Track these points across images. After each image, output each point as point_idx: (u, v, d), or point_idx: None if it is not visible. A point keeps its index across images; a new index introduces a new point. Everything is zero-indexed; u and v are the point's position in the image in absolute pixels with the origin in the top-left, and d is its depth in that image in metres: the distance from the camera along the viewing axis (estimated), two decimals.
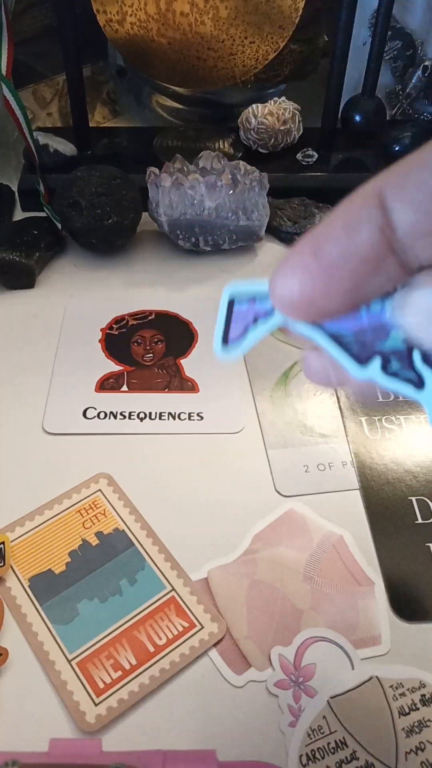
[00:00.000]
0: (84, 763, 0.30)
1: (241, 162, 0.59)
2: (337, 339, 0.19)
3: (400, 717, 0.35)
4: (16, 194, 0.66)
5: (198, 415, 0.48)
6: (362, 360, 0.19)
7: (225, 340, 0.21)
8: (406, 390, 0.19)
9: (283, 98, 0.66)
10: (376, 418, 0.48)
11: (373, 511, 0.43)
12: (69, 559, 0.40)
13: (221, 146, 0.68)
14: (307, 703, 0.35)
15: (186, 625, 0.38)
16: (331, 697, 0.35)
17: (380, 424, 0.48)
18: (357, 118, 0.66)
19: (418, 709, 0.35)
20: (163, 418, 0.48)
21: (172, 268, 0.60)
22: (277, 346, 0.53)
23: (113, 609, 0.38)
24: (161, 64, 0.65)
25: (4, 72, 0.53)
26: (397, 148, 0.67)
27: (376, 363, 0.19)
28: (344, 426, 0.47)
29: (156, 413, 0.48)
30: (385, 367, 0.19)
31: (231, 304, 0.21)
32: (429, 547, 0.42)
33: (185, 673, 0.37)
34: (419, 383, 0.18)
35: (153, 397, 0.50)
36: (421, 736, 0.34)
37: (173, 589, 0.39)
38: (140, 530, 0.42)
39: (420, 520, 0.43)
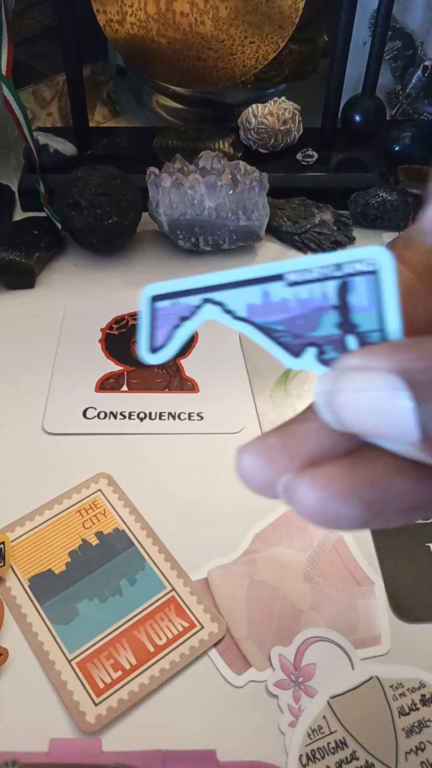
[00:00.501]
0: (84, 763, 0.30)
1: (241, 162, 0.59)
2: (268, 331, 0.18)
3: (400, 717, 0.35)
4: (16, 194, 0.66)
5: (198, 415, 0.48)
6: (295, 351, 0.18)
7: (152, 345, 0.20)
8: None
9: (283, 98, 0.66)
10: None
11: None
12: (69, 559, 0.40)
13: (221, 146, 0.68)
14: (307, 703, 0.35)
15: (186, 625, 0.38)
16: (331, 697, 0.35)
17: None
18: (357, 118, 0.66)
19: (418, 709, 0.35)
20: (163, 418, 0.48)
21: (172, 268, 0.60)
22: None
23: (113, 609, 0.38)
24: (161, 64, 0.65)
25: (4, 72, 0.53)
26: (397, 148, 0.67)
27: (311, 353, 0.18)
28: None
29: (156, 413, 0.48)
30: (320, 356, 0.18)
31: (153, 307, 0.20)
32: (429, 547, 0.42)
33: (185, 673, 0.37)
34: None
35: (153, 397, 0.50)
36: (421, 736, 0.34)
37: (173, 589, 0.39)
38: (140, 530, 0.42)
39: (420, 520, 0.43)
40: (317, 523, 0.16)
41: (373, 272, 0.17)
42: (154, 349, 0.20)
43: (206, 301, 0.20)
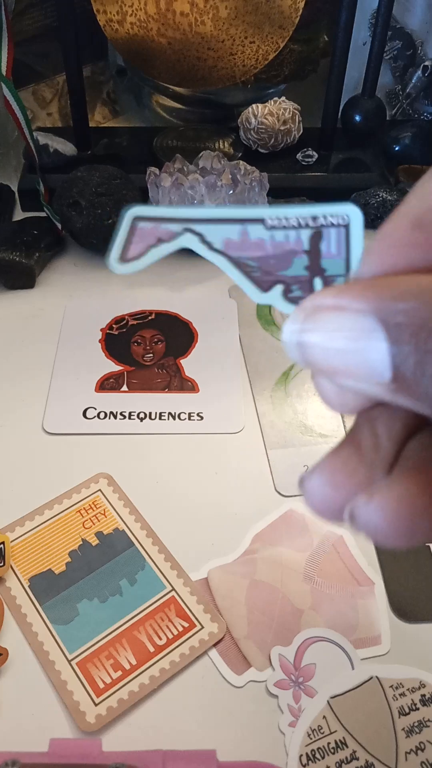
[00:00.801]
0: (84, 763, 0.30)
1: (241, 162, 0.59)
2: (240, 265, 0.20)
3: (400, 717, 0.35)
4: (16, 194, 0.66)
5: (198, 415, 0.48)
6: (264, 287, 0.19)
7: (123, 256, 0.21)
8: None
9: (283, 98, 0.66)
10: None
11: None
12: (69, 559, 0.40)
13: (221, 146, 0.68)
14: (307, 703, 0.35)
15: (186, 625, 0.38)
16: (331, 697, 0.35)
17: None
18: (357, 118, 0.66)
19: (418, 709, 0.35)
20: (163, 418, 0.48)
21: (172, 268, 0.60)
22: (277, 346, 0.53)
23: (113, 609, 0.38)
24: (161, 64, 0.65)
25: (4, 72, 0.53)
26: (396, 148, 0.67)
27: (278, 289, 0.19)
28: (344, 426, 0.47)
29: (156, 413, 0.48)
30: (286, 294, 0.19)
31: (134, 223, 0.21)
32: (429, 547, 0.42)
33: (185, 673, 0.37)
34: None
35: (153, 397, 0.50)
36: (421, 736, 0.34)
37: (173, 589, 0.39)
38: (140, 530, 0.42)
39: None
40: (393, 544, 0.16)
41: (344, 225, 0.19)
42: (124, 260, 0.21)
43: (187, 229, 0.21)
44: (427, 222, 0.16)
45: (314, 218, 0.20)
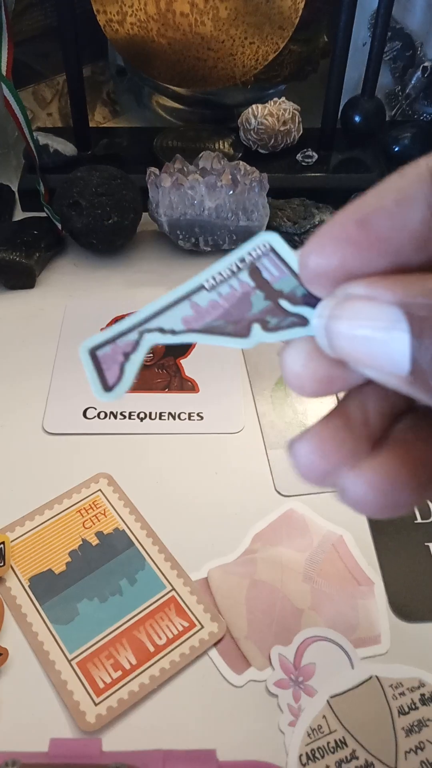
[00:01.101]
0: (84, 763, 0.31)
1: (241, 162, 0.59)
2: (211, 330, 0.20)
3: (399, 716, 0.35)
4: (16, 194, 0.66)
5: (198, 415, 0.49)
6: (243, 333, 0.20)
7: (105, 386, 0.21)
8: (296, 332, 0.20)
9: (283, 98, 0.66)
10: None
11: None
12: (69, 559, 0.40)
13: (221, 146, 0.68)
14: (306, 702, 0.35)
15: (186, 624, 0.38)
16: (331, 697, 0.35)
17: None
18: (357, 118, 0.66)
19: (417, 708, 0.35)
20: (163, 418, 0.48)
21: (172, 268, 0.60)
22: (277, 346, 0.53)
23: (113, 609, 0.38)
24: (161, 64, 0.65)
25: (4, 72, 0.53)
26: (396, 149, 0.67)
27: (257, 328, 0.20)
28: None
29: (156, 413, 0.48)
30: (266, 327, 0.20)
31: (94, 356, 0.21)
32: (429, 547, 0.42)
33: (185, 673, 0.37)
34: (303, 322, 0.19)
35: (153, 397, 0.50)
36: (421, 736, 0.34)
37: (173, 589, 0.39)
38: (140, 530, 0.42)
39: (419, 520, 0.43)
40: (373, 514, 0.18)
41: (269, 251, 0.20)
42: (108, 389, 0.21)
43: (143, 332, 0.21)
44: (373, 221, 0.16)
45: (242, 260, 0.21)
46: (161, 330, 0.21)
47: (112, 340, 0.21)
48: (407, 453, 0.17)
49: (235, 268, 0.21)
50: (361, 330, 0.16)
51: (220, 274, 0.21)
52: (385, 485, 0.17)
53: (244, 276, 0.20)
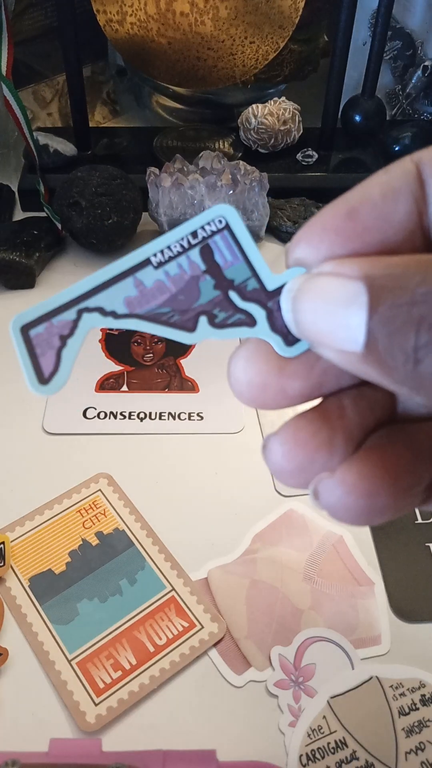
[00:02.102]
0: (84, 763, 0.30)
1: (241, 162, 0.59)
2: (156, 318, 0.18)
3: (400, 717, 0.35)
4: (16, 194, 0.66)
5: (198, 415, 0.48)
6: (189, 326, 0.19)
7: (41, 377, 0.19)
8: (242, 332, 0.19)
9: (283, 98, 0.66)
10: None
11: None
12: (69, 559, 0.40)
13: (221, 146, 0.68)
14: (307, 703, 0.35)
15: (186, 625, 0.38)
16: (331, 697, 0.35)
17: None
18: (357, 118, 0.66)
19: (418, 709, 0.35)
20: (163, 418, 0.48)
21: None
22: None
23: (113, 609, 0.38)
24: (161, 64, 0.65)
25: (4, 72, 0.53)
26: (396, 148, 0.67)
27: (203, 322, 0.18)
28: None
29: (156, 413, 0.48)
30: (212, 322, 0.19)
31: (26, 335, 0.19)
32: (429, 547, 0.42)
33: (185, 673, 0.37)
34: (251, 321, 0.18)
35: (153, 397, 0.50)
36: (421, 736, 0.34)
37: (173, 589, 0.39)
38: (140, 530, 0.42)
39: (420, 520, 0.43)
40: (348, 522, 0.17)
41: (225, 227, 0.18)
42: (44, 380, 0.19)
43: (81, 311, 0.19)
44: (360, 213, 0.16)
45: (194, 234, 0.18)
46: (101, 311, 0.19)
47: (46, 318, 0.19)
48: (386, 458, 0.17)
49: (186, 244, 0.18)
50: (323, 305, 0.16)
51: (170, 248, 0.18)
52: (358, 487, 0.17)
53: (195, 255, 0.18)
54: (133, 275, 0.19)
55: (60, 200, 0.57)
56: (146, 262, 0.18)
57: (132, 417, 0.48)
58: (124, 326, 0.19)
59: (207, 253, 0.18)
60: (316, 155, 0.66)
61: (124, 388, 0.50)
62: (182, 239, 0.18)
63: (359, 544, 0.42)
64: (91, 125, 0.68)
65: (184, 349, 0.53)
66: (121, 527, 0.42)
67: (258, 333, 0.19)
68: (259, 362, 0.18)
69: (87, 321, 0.19)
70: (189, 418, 0.48)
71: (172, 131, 0.69)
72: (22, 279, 0.57)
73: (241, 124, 0.66)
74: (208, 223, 0.18)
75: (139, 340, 0.54)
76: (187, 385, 0.51)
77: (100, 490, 0.44)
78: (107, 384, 0.50)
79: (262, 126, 0.64)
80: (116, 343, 0.54)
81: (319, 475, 0.18)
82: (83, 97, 0.63)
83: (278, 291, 0.18)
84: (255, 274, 0.18)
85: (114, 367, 0.52)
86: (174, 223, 0.58)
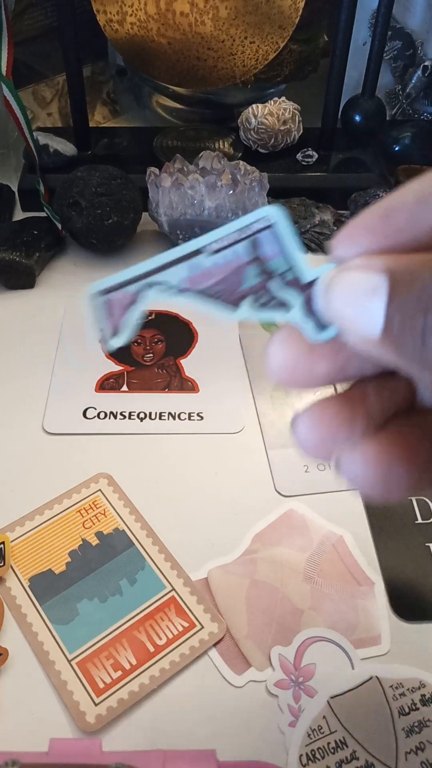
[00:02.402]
0: (84, 763, 0.30)
1: (241, 162, 0.59)
2: (208, 295, 0.22)
3: (400, 717, 0.35)
4: (16, 194, 0.66)
5: (198, 415, 0.48)
6: (234, 305, 0.22)
7: (113, 331, 0.23)
8: (278, 316, 0.21)
9: (283, 98, 0.66)
10: None
11: (373, 511, 0.43)
12: (69, 559, 0.40)
13: (221, 146, 0.68)
14: (307, 703, 0.35)
15: (186, 625, 0.38)
16: (331, 697, 0.35)
17: None
18: (357, 118, 0.66)
19: (418, 709, 0.35)
20: (163, 418, 0.48)
21: None
22: None
23: (113, 609, 0.38)
24: (161, 64, 0.65)
25: (4, 72, 0.53)
26: (396, 148, 0.67)
27: (245, 303, 0.22)
28: None
29: (156, 413, 0.48)
30: (253, 304, 0.22)
31: (99, 298, 0.23)
32: (429, 547, 0.42)
33: (185, 673, 0.37)
34: (287, 307, 0.21)
35: (153, 397, 0.50)
36: (421, 736, 0.34)
37: (173, 589, 0.39)
38: (140, 530, 0.42)
39: (420, 520, 0.43)
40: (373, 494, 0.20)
41: (270, 226, 0.21)
42: (114, 333, 0.23)
43: (147, 284, 0.23)
44: (394, 215, 0.18)
45: (241, 230, 0.22)
46: (164, 284, 0.23)
47: (119, 287, 0.23)
48: (403, 436, 0.19)
49: (236, 237, 0.22)
50: (350, 294, 0.18)
51: (221, 240, 0.22)
52: (381, 461, 0.19)
53: (242, 247, 0.22)
54: (189, 261, 0.22)
55: (60, 200, 0.57)
56: (199, 252, 0.22)
57: (132, 417, 0.48)
58: (180, 300, 0.22)
59: (254, 246, 0.22)
60: (316, 155, 0.66)
61: (124, 388, 0.50)
62: (233, 233, 0.22)
63: (359, 544, 0.42)
64: (91, 125, 0.68)
65: (184, 349, 0.53)
66: (121, 527, 0.42)
67: (292, 317, 0.21)
68: (292, 346, 0.21)
69: (151, 292, 0.22)
70: (189, 418, 0.48)
71: (172, 131, 0.69)
72: (22, 279, 0.57)
73: (241, 124, 0.66)
74: (257, 221, 0.22)
75: (139, 341, 0.54)
76: (187, 385, 0.51)
77: (100, 490, 0.44)
78: (107, 384, 0.51)
79: (262, 126, 0.64)
80: None
81: (341, 446, 0.20)
82: (83, 97, 0.63)
83: (313, 283, 0.21)
84: (294, 266, 0.21)
85: (114, 367, 0.52)
86: (174, 223, 0.58)
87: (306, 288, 0.21)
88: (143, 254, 0.61)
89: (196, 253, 0.22)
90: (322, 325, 0.21)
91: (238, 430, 0.48)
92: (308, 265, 0.21)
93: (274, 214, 0.21)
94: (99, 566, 0.40)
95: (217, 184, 0.56)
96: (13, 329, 0.55)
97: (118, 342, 0.23)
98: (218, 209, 0.57)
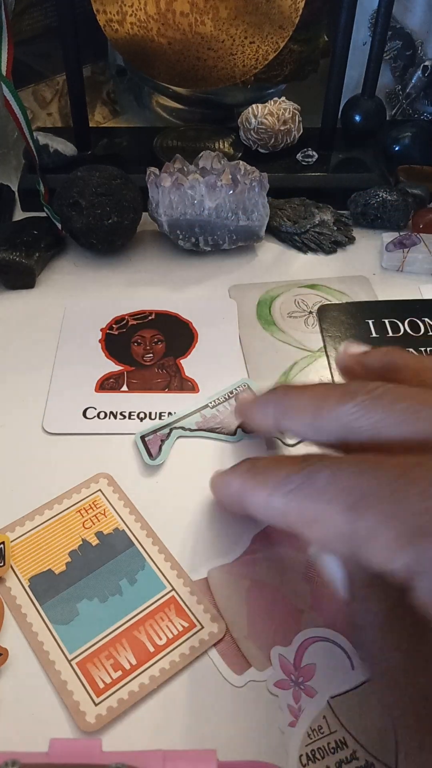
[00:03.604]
0: (84, 763, 0.30)
1: (241, 162, 0.59)
2: (212, 430, 0.39)
3: None
4: (16, 194, 0.66)
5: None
6: (231, 434, 0.39)
7: (151, 457, 0.43)
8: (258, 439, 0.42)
9: (283, 98, 0.66)
10: None
11: None
12: (69, 559, 0.40)
13: (221, 146, 0.68)
14: (307, 703, 0.35)
15: (186, 625, 0.38)
16: (331, 697, 0.35)
17: None
18: (357, 118, 0.66)
19: None
20: (163, 418, 0.48)
21: (172, 268, 0.60)
22: (277, 345, 0.53)
23: (113, 609, 0.38)
24: (161, 64, 0.65)
25: (4, 72, 0.53)
26: (396, 148, 0.67)
27: (239, 431, 0.42)
28: None
29: (156, 413, 0.48)
30: (245, 431, 0.42)
31: (143, 440, 0.43)
32: None
33: (185, 673, 0.37)
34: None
35: (153, 397, 0.50)
36: None
37: (173, 589, 0.39)
38: (140, 530, 0.42)
39: None
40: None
41: (248, 387, 0.37)
42: (152, 457, 0.43)
43: (172, 428, 0.42)
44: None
45: (230, 393, 0.41)
46: (183, 428, 0.41)
47: (154, 431, 0.42)
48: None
49: (226, 396, 0.42)
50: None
51: (217, 399, 0.42)
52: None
53: (232, 401, 0.42)
54: (200, 412, 0.41)
55: (60, 200, 0.57)
56: (206, 406, 0.39)
57: (132, 417, 0.48)
58: (195, 435, 0.41)
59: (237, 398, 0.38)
60: (316, 155, 0.66)
61: (124, 388, 0.50)
62: (225, 394, 0.41)
63: None
64: (91, 125, 0.68)
65: (183, 349, 0.53)
66: (121, 527, 0.42)
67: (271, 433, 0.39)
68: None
69: (175, 433, 0.41)
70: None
71: (172, 131, 0.69)
72: (22, 279, 0.57)
73: (241, 124, 0.66)
74: (238, 387, 0.39)
75: (139, 340, 0.54)
76: (187, 385, 0.50)
77: (100, 490, 0.44)
78: (107, 384, 0.51)
79: (262, 126, 0.64)
80: (116, 343, 0.54)
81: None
82: (83, 97, 0.64)
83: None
84: None
85: (114, 367, 0.52)
86: (174, 223, 0.58)
87: None
88: (143, 254, 0.62)
89: (204, 407, 0.41)
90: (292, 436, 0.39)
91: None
92: None
93: (248, 382, 0.43)
94: (99, 566, 0.40)
95: (217, 184, 0.56)
96: (13, 329, 0.55)
97: (157, 462, 0.41)
98: (218, 209, 0.57)
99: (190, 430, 0.38)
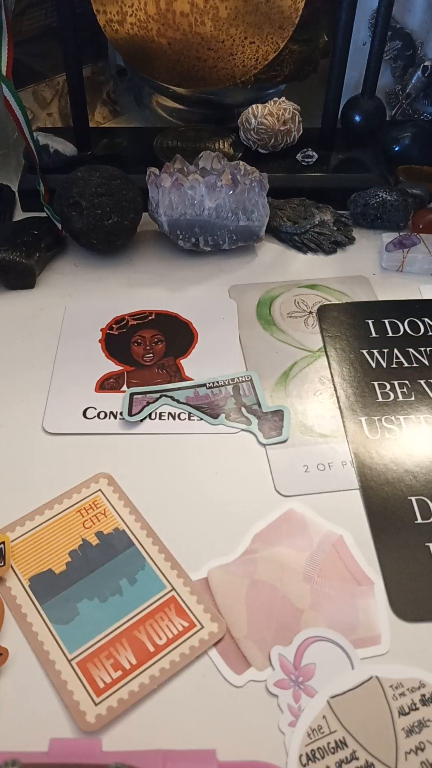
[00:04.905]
0: (84, 763, 0.31)
1: (241, 162, 0.59)
2: (199, 408, 0.40)
3: (400, 717, 0.35)
4: (17, 194, 0.66)
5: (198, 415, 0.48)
6: (214, 417, 0.42)
7: (131, 412, 0.44)
8: (241, 426, 0.44)
9: (283, 98, 0.66)
10: (375, 418, 0.48)
11: (373, 511, 0.43)
12: (69, 559, 0.40)
13: (221, 146, 0.68)
14: (307, 702, 0.35)
15: (186, 624, 0.38)
16: (331, 697, 0.35)
17: (380, 424, 0.48)
18: (357, 118, 0.66)
19: (418, 709, 0.35)
20: (163, 418, 0.48)
21: (172, 268, 0.60)
22: (277, 346, 0.53)
23: (113, 609, 0.38)
24: (161, 64, 0.65)
25: (4, 72, 0.53)
26: (396, 148, 0.67)
27: (222, 416, 0.43)
28: (344, 426, 0.47)
29: (156, 413, 0.48)
30: (227, 418, 0.45)
31: (132, 396, 0.44)
32: (429, 547, 0.42)
33: (185, 673, 0.37)
34: (248, 422, 0.43)
35: None
36: (421, 736, 0.34)
37: (173, 588, 0.39)
38: (140, 530, 0.42)
39: (420, 520, 0.43)
40: None
41: (249, 380, 0.41)
42: (132, 414, 0.44)
43: (162, 395, 0.42)
44: None
45: (232, 379, 0.43)
46: (172, 398, 0.42)
47: (145, 393, 0.43)
48: None
49: (226, 381, 0.42)
50: None
51: (216, 383, 0.42)
52: None
53: (229, 387, 0.43)
54: (195, 388, 0.42)
55: (60, 200, 0.58)
56: (203, 385, 0.40)
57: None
58: (181, 409, 0.42)
59: (236, 388, 0.40)
60: (316, 155, 0.66)
61: (124, 388, 0.50)
62: (224, 380, 0.42)
63: (359, 544, 0.42)
64: (91, 125, 0.68)
65: (184, 349, 0.53)
66: (121, 527, 0.42)
67: (251, 429, 0.37)
68: None
69: (163, 399, 0.42)
70: (189, 418, 0.48)
71: (172, 131, 0.69)
72: (23, 279, 0.57)
73: (241, 124, 0.66)
74: (240, 376, 0.42)
75: (139, 341, 0.54)
76: None
77: (100, 490, 0.44)
78: (107, 384, 0.51)
79: (262, 126, 0.64)
80: (116, 343, 0.54)
81: None
82: (83, 97, 0.64)
83: (269, 412, 0.40)
84: (258, 402, 0.40)
85: (114, 367, 0.52)
86: (174, 224, 0.58)
87: (263, 414, 0.42)
88: (143, 254, 0.62)
89: (201, 385, 0.41)
90: (269, 436, 0.42)
91: (238, 430, 0.48)
92: (268, 401, 0.39)
93: (253, 374, 0.44)
94: (99, 566, 0.40)
95: (217, 184, 0.56)
96: (13, 329, 0.55)
97: (135, 419, 0.43)
98: (218, 209, 0.57)
99: (178, 401, 0.40)
